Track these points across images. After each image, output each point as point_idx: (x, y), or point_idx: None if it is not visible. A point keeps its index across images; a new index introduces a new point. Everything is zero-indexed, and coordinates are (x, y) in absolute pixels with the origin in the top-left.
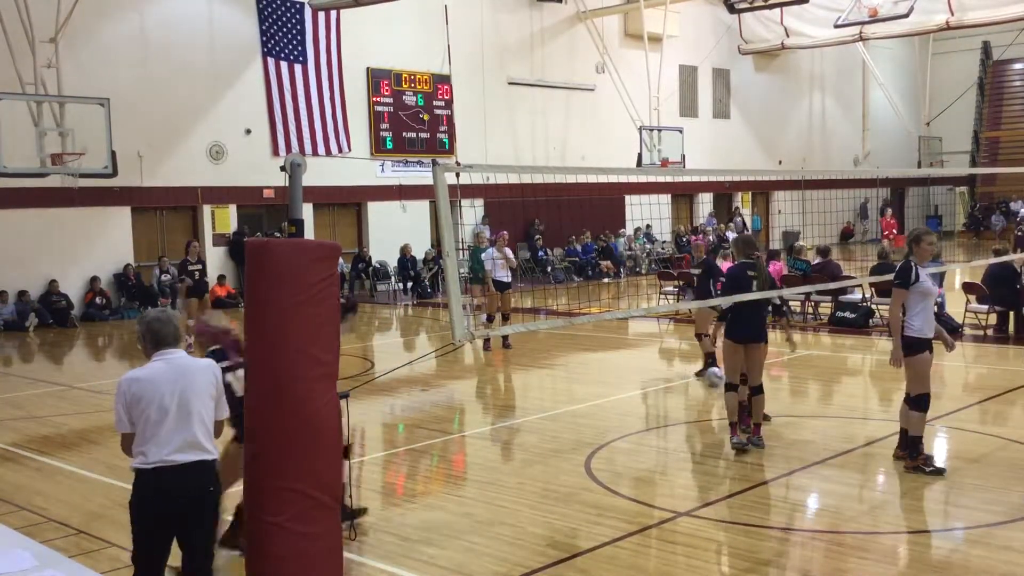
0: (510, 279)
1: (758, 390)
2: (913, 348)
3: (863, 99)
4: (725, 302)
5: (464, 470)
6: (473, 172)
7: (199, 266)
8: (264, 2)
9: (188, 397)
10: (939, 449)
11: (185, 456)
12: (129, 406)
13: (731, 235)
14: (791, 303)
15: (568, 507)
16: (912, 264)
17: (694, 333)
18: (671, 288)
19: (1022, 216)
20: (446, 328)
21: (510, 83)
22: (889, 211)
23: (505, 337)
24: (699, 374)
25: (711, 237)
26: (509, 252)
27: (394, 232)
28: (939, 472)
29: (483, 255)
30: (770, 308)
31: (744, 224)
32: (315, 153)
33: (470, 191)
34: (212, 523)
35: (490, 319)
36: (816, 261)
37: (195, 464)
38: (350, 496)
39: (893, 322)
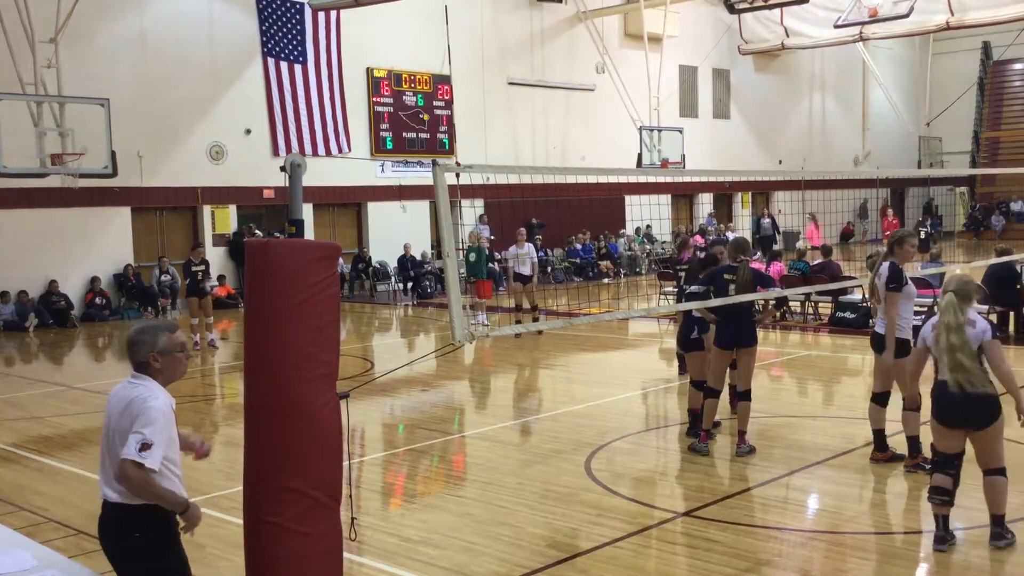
0: (531, 273)
1: (746, 395)
2: (905, 349)
3: (863, 99)
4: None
5: (464, 470)
6: (473, 172)
7: (202, 267)
8: (264, 2)
9: (113, 431)
10: None
11: (106, 492)
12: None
13: (730, 235)
14: (791, 303)
15: (568, 507)
16: (900, 267)
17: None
18: (671, 288)
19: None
20: (446, 328)
21: (510, 83)
22: (891, 211)
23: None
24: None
25: (711, 238)
26: (529, 248)
27: (394, 232)
28: None
29: (507, 252)
30: (758, 307)
31: (775, 225)
32: (315, 153)
33: (470, 191)
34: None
35: (518, 309)
36: (816, 261)
37: (111, 505)
38: None
39: (891, 326)
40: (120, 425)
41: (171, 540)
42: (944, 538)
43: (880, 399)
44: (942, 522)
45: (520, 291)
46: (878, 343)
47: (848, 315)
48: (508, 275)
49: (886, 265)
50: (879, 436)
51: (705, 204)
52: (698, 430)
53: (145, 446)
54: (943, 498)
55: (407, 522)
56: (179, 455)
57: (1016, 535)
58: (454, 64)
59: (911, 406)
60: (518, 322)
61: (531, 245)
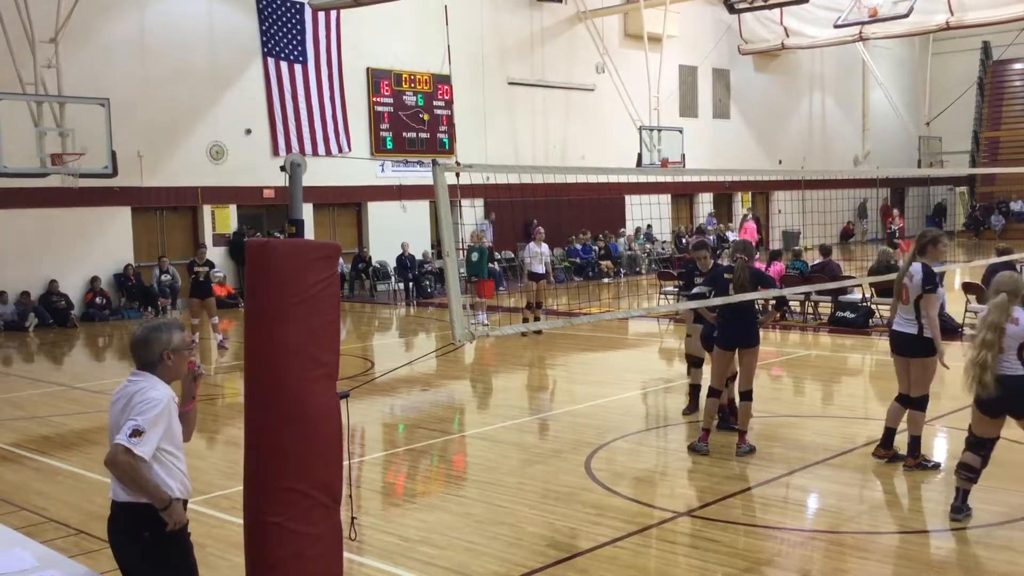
0: (544, 271)
1: (747, 396)
2: (931, 350)
3: (863, 99)
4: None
5: (464, 470)
6: (473, 172)
7: (205, 268)
8: (264, 2)
9: (114, 428)
10: (939, 449)
11: (115, 491)
12: None
13: (731, 236)
14: (791, 303)
15: (568, 507)
16: (932, 267)
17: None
18: (671, 288)
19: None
20: (446, 328)
21: (510, 83)
22: (896, 211)
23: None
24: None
25: (711, 237)
26: (545, 247)
27: (394, 232)
28: (939, 465)
29: (525, 250)
30: (760, 306)
31: (759, 226)
32: (315, 153)
33: (470, 191)
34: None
35: (529, 307)
36: (816, 261)
37: (120, 505)
38: None
39: (936, 327)
40: (121, 421)
41: (180, 539)
42: (960, 508)
43: (904, 401)
44: (962, 495)
45: (535, 289)
46: (898, 343)
47: (848, 315)
48: (522, 272)
49: (918, 266)
50: (889, 434)
51: (705, 204)
52: (731, 421)
53: (137, 432)
54: (969, 475)
55: (407, 522)
56: (182, 447)
57: (1016, 535)
58: (454, 64)
59: (919, 407)
60: (526, 320)
61: (546, 245)
